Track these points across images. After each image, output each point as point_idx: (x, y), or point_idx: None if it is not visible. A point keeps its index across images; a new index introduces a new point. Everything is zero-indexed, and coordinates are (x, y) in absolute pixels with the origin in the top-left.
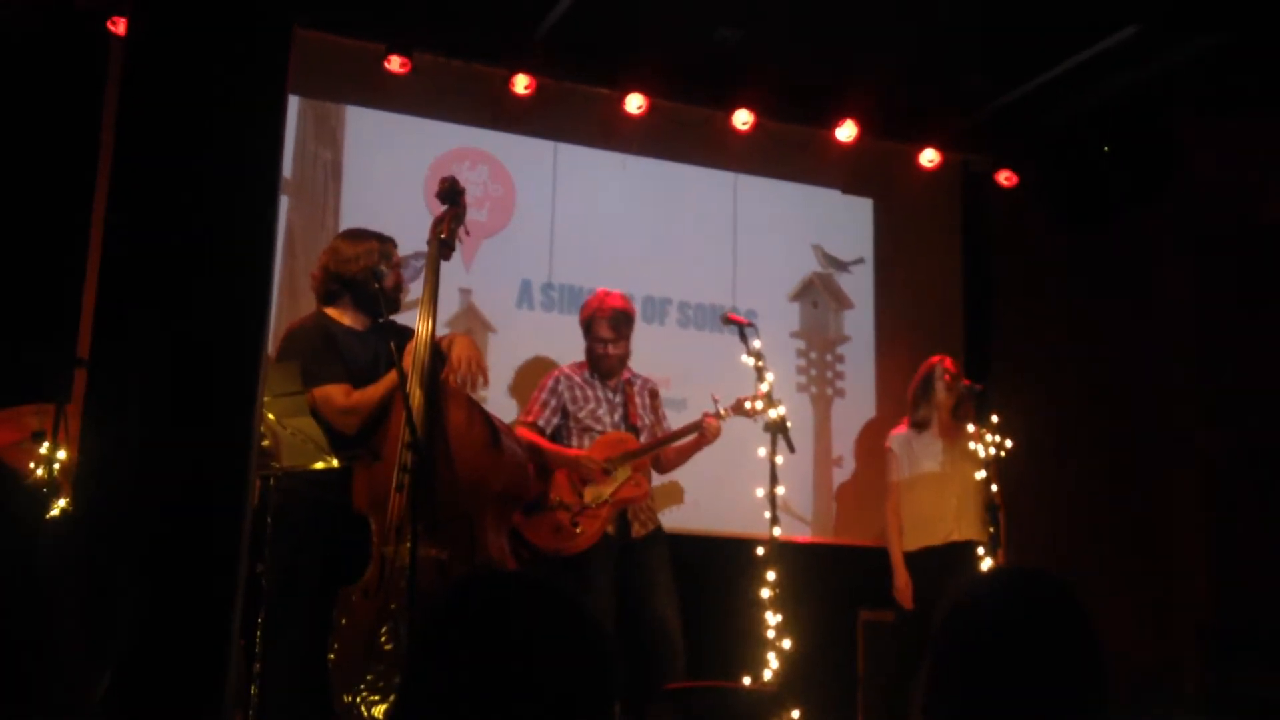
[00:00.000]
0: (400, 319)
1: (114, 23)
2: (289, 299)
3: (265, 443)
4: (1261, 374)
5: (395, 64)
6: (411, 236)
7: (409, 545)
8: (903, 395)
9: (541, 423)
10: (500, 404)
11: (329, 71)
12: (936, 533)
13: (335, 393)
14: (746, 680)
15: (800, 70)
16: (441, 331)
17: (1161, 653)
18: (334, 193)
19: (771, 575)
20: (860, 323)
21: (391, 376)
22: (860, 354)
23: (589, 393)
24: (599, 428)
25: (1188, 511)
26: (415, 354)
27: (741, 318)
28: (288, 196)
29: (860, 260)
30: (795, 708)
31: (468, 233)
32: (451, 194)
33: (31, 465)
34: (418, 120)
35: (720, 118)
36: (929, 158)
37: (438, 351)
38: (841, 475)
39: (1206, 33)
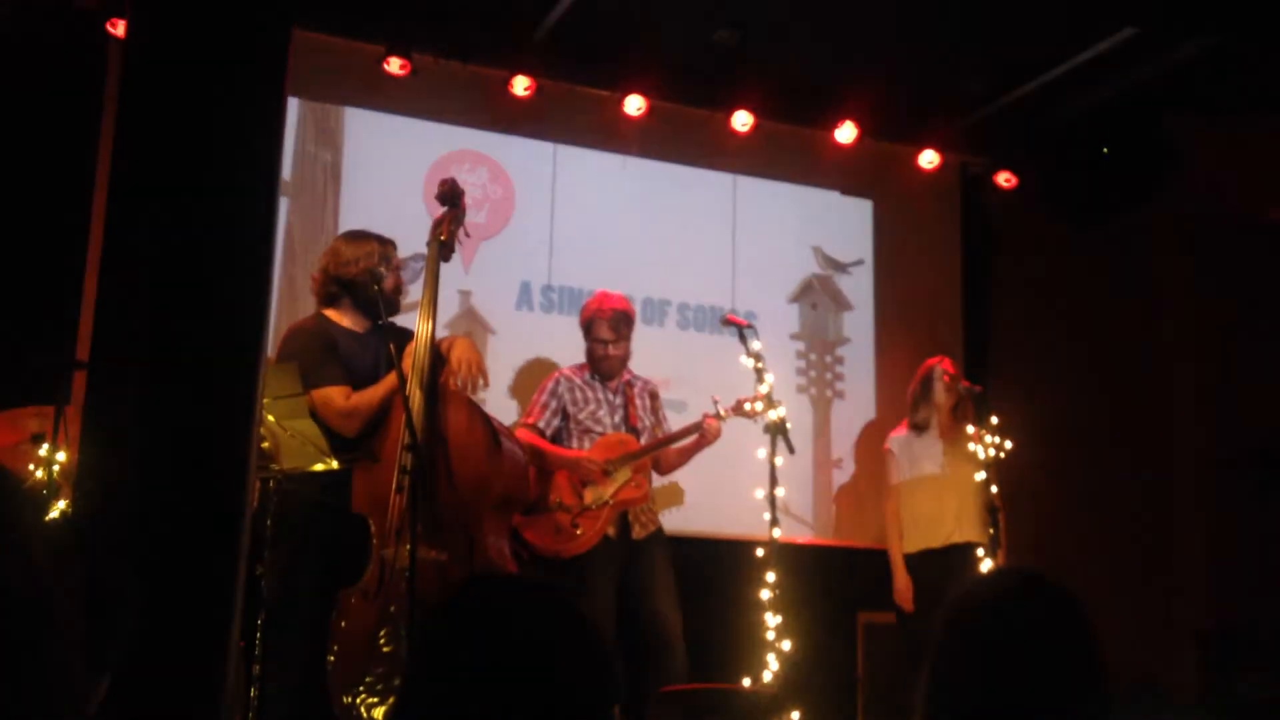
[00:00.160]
0: (400, 321)
1: (113, 25)
2: (289, 301)
3: (265, 444)
4: (1261, 374)
5: (394, 65)
6: (411, 238)
7: (409, 547)
8: (902, 397)
9: (542, 424)
10: (500, 405)
11: (328, 73)
12: (937, 535)
13: (335, 395)
14: (746, 682)
15: (799, 72)
16: (441, 333)
17: (1161, 654)
18: (333, 194)
19: (771, 577)
20: (860, 324)
21: (391, 379)
22: (860, 355)
23: (589, 394)
24: (599, 429)
25: (1188, 512)
26: (415, 356)
27: (741, 319)
28: (287, 198)
29: (859, 262)
30: (795, 709)
31: (467, 234)
32: (451, 196)
33: (31, 467)
34: (417, 122)
35: (719, 119)
36: (928, 159)
37: (437, 354)
38: (841, 477)
39: (1204, 34)
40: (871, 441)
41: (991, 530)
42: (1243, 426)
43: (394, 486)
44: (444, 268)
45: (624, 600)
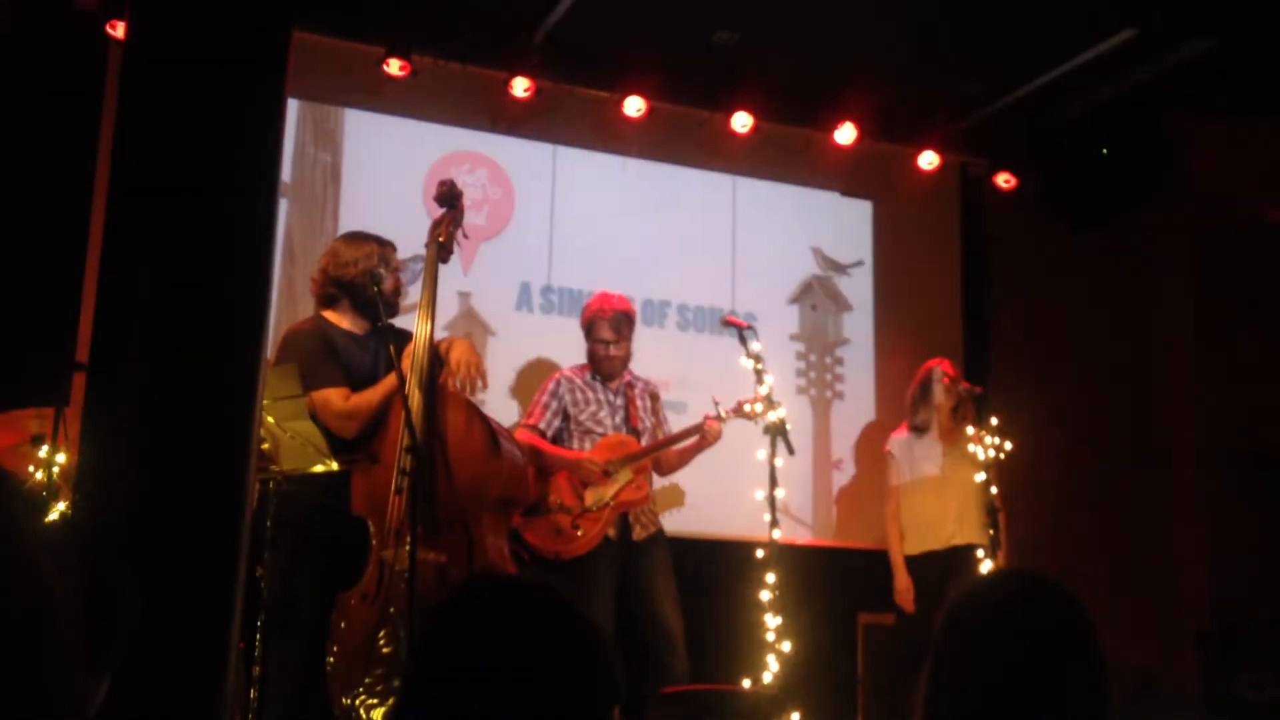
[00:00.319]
0: (399, 322)
1: (113, 26)
2: (288, 302)
3: (265, 446)
4: (1261, 374)
5: (394, 67)
6: (411, 239)
7: (408, 548)
8: (902, 398)
9: (543, 425)
10: (501, 407)
11: (328, 74)
12: (938, 537)
13: (334, 396)
14: (746, 683)
15: (799, 73)
16: (441, 335)
17: (1161, 654)
18: (333, 196)
19: (771, 578)
20: (859, 325)
21: (390, 380)
22: (859, 356)
23: (590, 395)
24: (600, 430)
25: (1188, 512)
26: (414, 357)
27: (741, 320)
28: (287, 199)
29: (859, 263)
30: (795, 710)
31: (466, 236)
32: (449, 197)
33: (31, 469)
34: (417, 123)
35: (719, 120)
36: (928, 160)
37: (436, 355)
38: (841, 478)
39: (1203, 35)
40: (871, 442)
41: (991, 531)
42: (1242, 426)
43: (393, 488)
44: (443, 269)
45: (624, 601)
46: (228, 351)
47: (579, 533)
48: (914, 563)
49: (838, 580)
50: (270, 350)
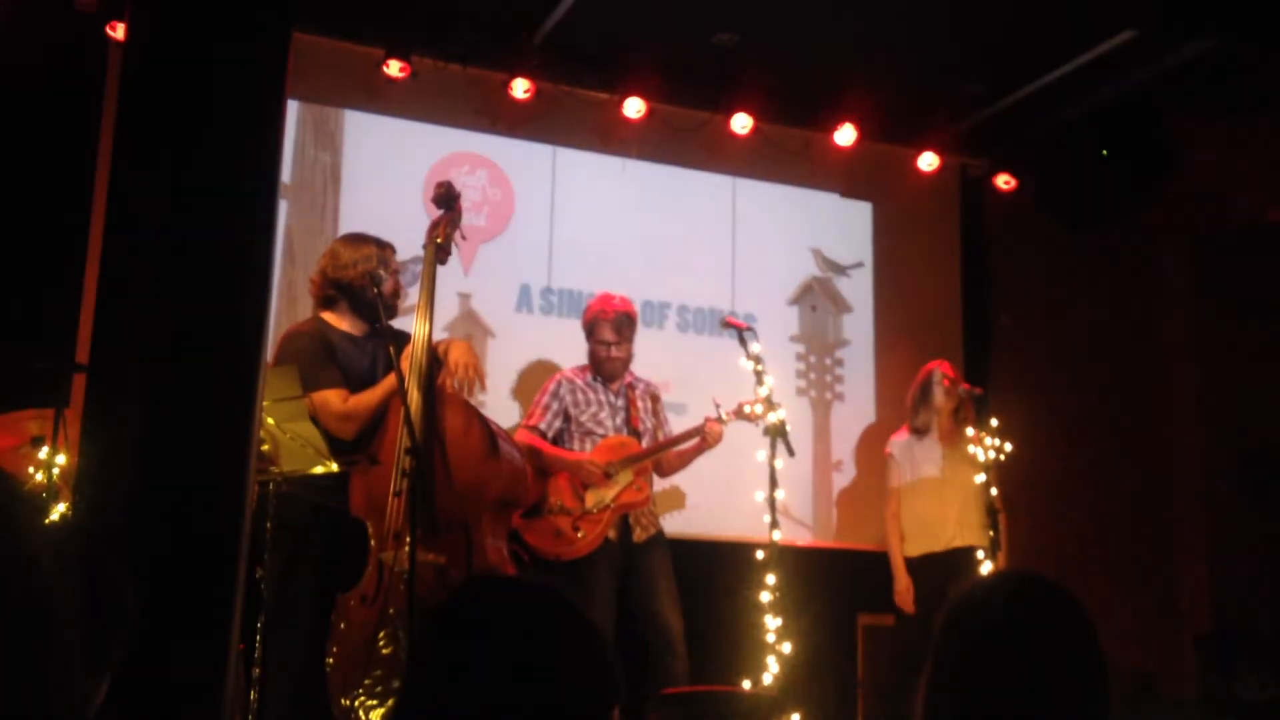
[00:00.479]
0: (398, 324)
1: (112, 28)
2: (288, 303)
3: (264, 447)
4: (1261, 375)
5: (394, 68)
6: (411, 241)
7: (407, 550)
8: (902, 399)
9: (543, 426)
10: (502, 407)
11: (328, 76)
12: (939, 538)
13: (332, 398)
14: (746, 684)
15: (799, 74)
16: (440, 336)
17: (1161, 654)
18: (333, 197)
19: (771, 579)
20: (859, 326)
21: (389, 381)
22: (859, 358)
23: (591, 396)
24: (601, 431)
25: (1188, 513)
26: (412, 358)
27: (741, 322)
28: (286, 201)
29: (859, 264)
30: (795, 712)
31: (464, 237)
32: (447, 199)
33: (30, 470)
34: (416, 125)
35: (719, 121)
36: (928, 161)
37: (434, 356)
38: (841, 480)
39: (1203, 36)
40: (871, 444)
41: (992, 533)
42: (1242, 427)
43: (392, 489)
44: (443, 270)
45: (624, 603)
46: (228, 351)
47: (579, 535)
48: (914, 564)
49: (838, 582)
50: (269, 351)
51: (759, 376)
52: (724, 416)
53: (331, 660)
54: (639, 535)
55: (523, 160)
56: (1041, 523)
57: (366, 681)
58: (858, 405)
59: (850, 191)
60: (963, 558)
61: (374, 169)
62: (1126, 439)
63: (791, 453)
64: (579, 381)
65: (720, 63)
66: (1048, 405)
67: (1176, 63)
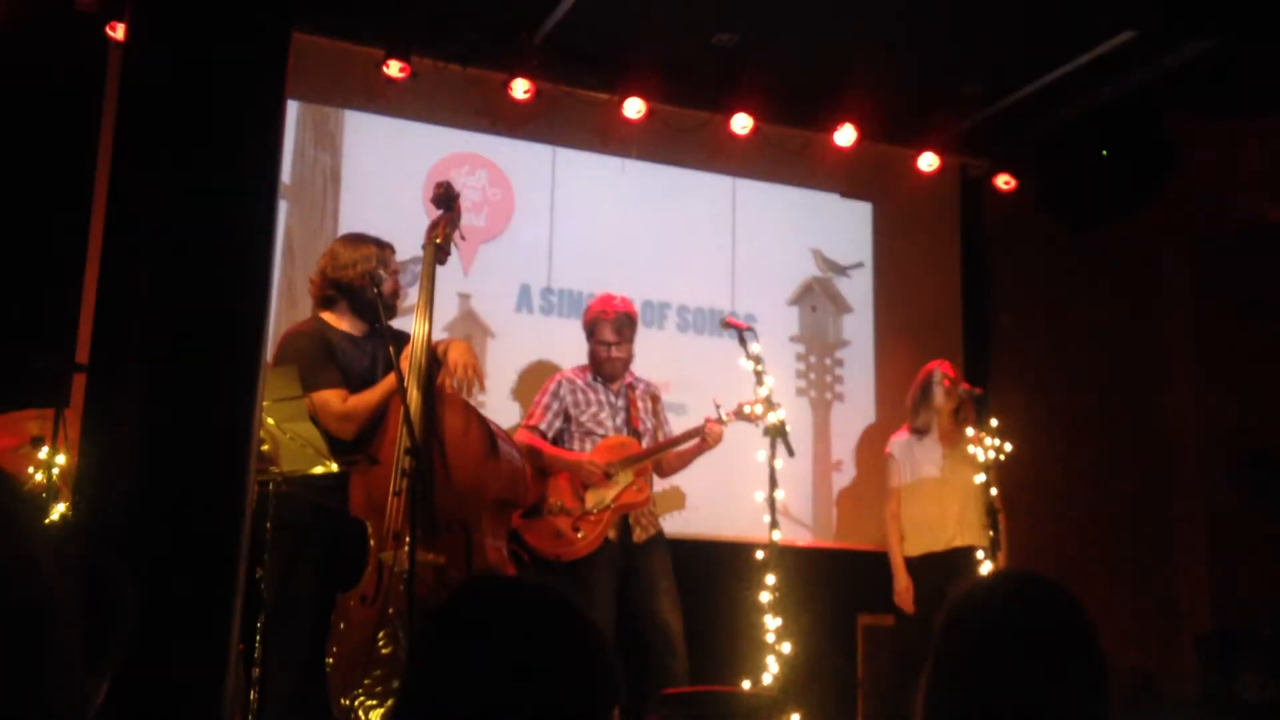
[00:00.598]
0: (397, 323)
1: (112, 28)
2: (288, 303)
3: (265, 447)
4: (1261, 375)
5: (394, 69)
6: (411, 241)
7: (407, 550)
8: (902, 399)
9: (543, 426)
10: (503, 408)
11: (328, 76)
12: (939, 538)
13: (332, 398)
14: (746, 684)
15: (799, 74)
16: (440, 336)
17: (1161, 654)
18: (333, 197)
19: (771, 579)
20: (859, 327)
21: (388, 381)
22: (859, 358)
23: (591, 396)
24: (601, 431)
25: (1188, 512)
26: (412, 358)
27: (740, 322)
28: (286, 201)
29: (859, 264)
30: (795, 712)
31: (463, 237)
32: (446, 199)
33: (30, 470)
34: (416, 125)
35: (719, 122)
36: (928, 162)
37: (433, 356)
38: (841, 480)
39: (1203, 36)
40: (871, 444)
41: (991, 533)
42: (1242, 427)
43: (392, 489)
44: (443, 270)
45: (624, 603)
46: (228, 351)
47: (579, 535)
48: (914, 564)
49: (838, 582)
50: (269, 351)
51: (759, 377)
52: (724, 417)
53: (331, 660)
54: (639, 535)
55: (523, 160)
56: (1041, 523)
57: (366, 681)
58: (858, 405)
59: (850, 192)
60: (963, 558)
61: (374, 169)
62: (1126, 439)
63: (791, 453)
64: (579, 382)
65: (720, 63)
66: (1048, 405)
67: (1176, 63)
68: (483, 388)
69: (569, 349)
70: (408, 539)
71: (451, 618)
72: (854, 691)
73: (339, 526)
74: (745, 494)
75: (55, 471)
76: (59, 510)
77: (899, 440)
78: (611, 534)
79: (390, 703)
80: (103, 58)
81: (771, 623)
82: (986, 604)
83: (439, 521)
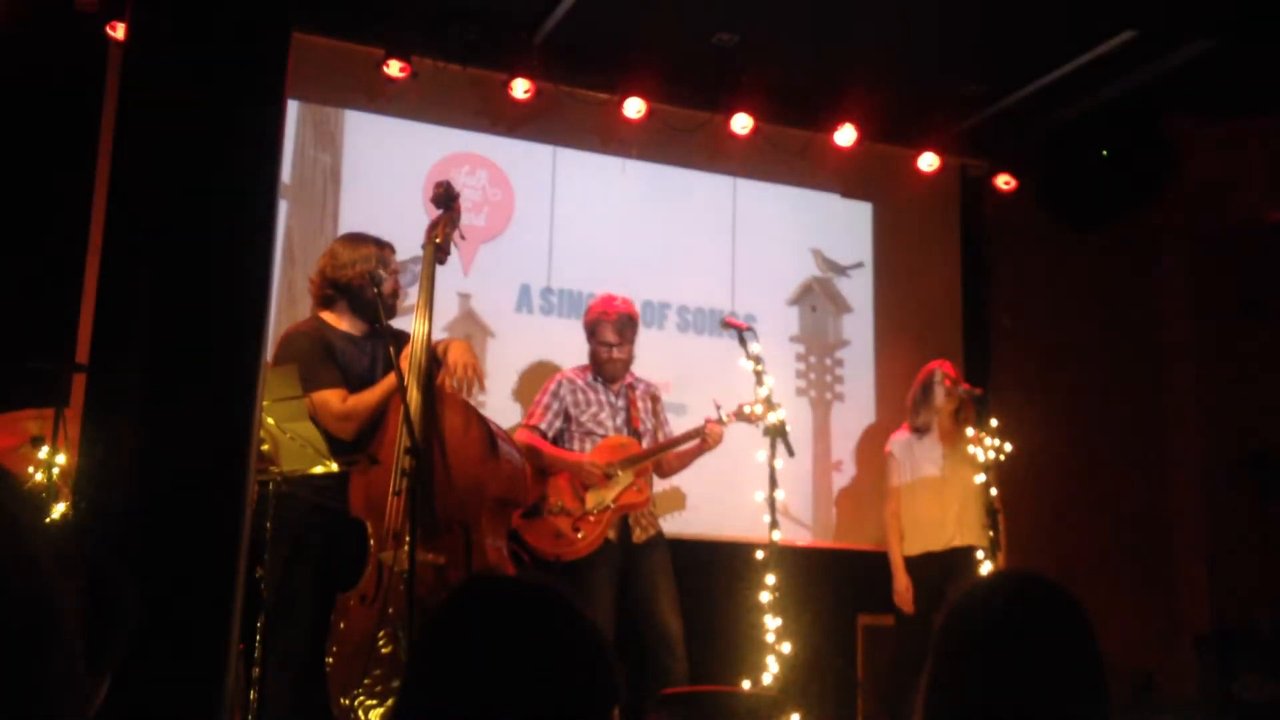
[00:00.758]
0: (397, 323)
1: (112, 28)
2: (288, 303)
3: (265, 447)
4: (1261, 375)
5: (394, 69)
6: (411, 241)
7: (407, 550)
8: (902, 399)
9: (544, 426)
10: (503, 408)
11: (328, 76)
12: (938, 538)
13: (332, 398)
14: (746, 684)
15: (799, 74)
16: (440, 336)
17: (1161, 654)
18: (333, 197)
19: (771, 579)
20: (859, 327)
21: (388, 381)
22: (859, 358)
23: (591, 396)
24: (601, 431)
25: (1188, 513)
26: (411, 358)
27: (741, 322)
28: (286, 201)
29: (859, 264)
30: (795, 711)
31: (463, 237)
32: (446, 198)
33: (30, 470)
34: (416, 125)
35: (719, 122)
36: (928, 162)
37: (433, 356)
38: (841, 480)
39: (1203, 36)
40: (871, 444)
41: (991, 533)
42: (1242, 427)
43: (392, 489)
44: (443, 270)
45: (624, 603)
46: (228, 351)
47: (579, 535)
48: (914, 564)
49: (838, 582)
50: (269, 351)
51: (759, 377)
52: (724, 418)
53: (331, 660)
54: (639, 536)
55: (523, 160)
56: (1041, 523)
57: (366, 681)
58: (858, 405)
59: (850, 192)
60: (962, 557)
61: (374, 169)
62: (1126, 439)
63: (791, 453)
64: (579, 382)
65: (720, 63)
66: (1048, 405)
67: (1176, 63)
68: (483, 387)
69: (569, 349)
70: (407, 539)
71: (451, 618)
72: (854, 691)
73: (339, 526)
74: (745, 494)
75: (55, 471)
76: (59, 510)
77: (899, 439)
78: (611, 534)
79: (390, 703)
80: (103, 58)
81: (771, 623)
82: (986, 604)
83: (439, 521)
